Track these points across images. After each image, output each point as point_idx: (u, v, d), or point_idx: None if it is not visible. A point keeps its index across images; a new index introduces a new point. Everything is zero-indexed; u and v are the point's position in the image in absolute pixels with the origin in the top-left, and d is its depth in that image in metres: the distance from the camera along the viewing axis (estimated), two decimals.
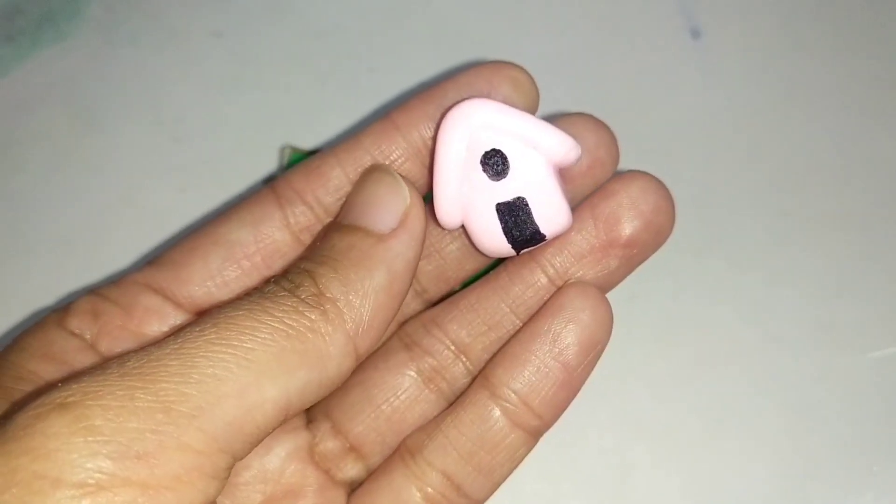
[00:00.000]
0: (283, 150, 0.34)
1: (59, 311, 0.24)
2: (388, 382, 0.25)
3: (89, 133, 0.35)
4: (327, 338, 0.20)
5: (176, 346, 0.19)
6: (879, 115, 0.35)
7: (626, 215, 0.24)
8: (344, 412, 0.25)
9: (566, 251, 0.24)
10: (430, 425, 0.25)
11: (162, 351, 0.18)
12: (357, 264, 0.21)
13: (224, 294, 0.24)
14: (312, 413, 0.26)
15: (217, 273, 0.24)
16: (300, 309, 0.20)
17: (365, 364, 0.26)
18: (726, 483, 0.30)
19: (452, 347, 0.25)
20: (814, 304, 0.33)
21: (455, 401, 0.25)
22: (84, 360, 0.23)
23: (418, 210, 0.22)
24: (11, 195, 0.34)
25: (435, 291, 0.26)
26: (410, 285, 0.22)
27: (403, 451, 0.25)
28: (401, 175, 0.23)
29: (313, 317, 0.20)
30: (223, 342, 0.19)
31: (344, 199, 0.24)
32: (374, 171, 0.23)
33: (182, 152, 0.35)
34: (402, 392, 0.25)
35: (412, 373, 0.25)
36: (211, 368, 0.18)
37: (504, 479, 0.25)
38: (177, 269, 0.24)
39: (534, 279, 0.25)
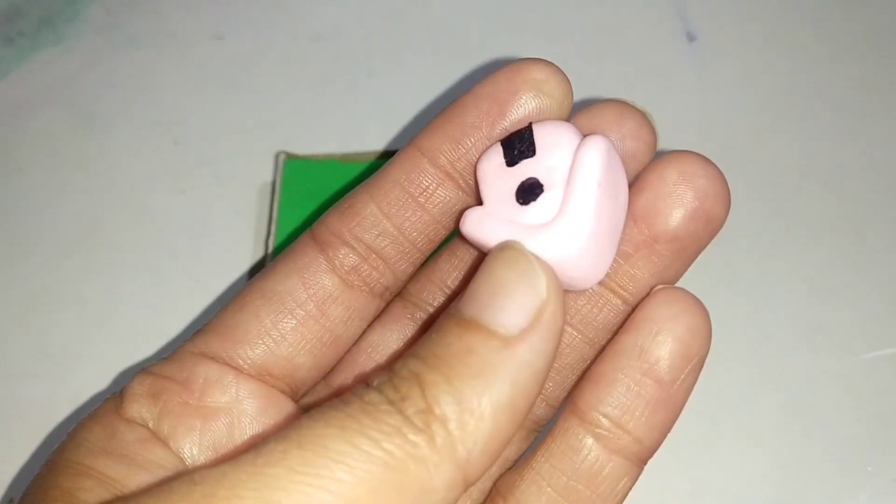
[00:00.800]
0: (277, 156, 0.34)
1: (115, 398, 0.22)
2: None
3: (88, 135, 0.35)
4: (433, 468, 0.17)
5: (254, 470, 0.16)
6: (874, 117, 0.35)
7: (667, 206, 0.21)
8: None
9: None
10: (521, 463, 0.23)
11: (237, 474, 0.16)
12: (475, 375, 0.17)
13: (284, 350, 0.22)
14: None
15: (272, 328, 0.22)
16: (404, 431, 0.17)
17: None
18: (721, 483, 0.30)
19: None
20: (808, 306, 0.33)
21: (547, 434, 0.22)
22: (147, 450, 0.21)
23: (556, 305, 0.19)
24: (10, 197, 0.34)
25: None
26: (536, 399, 0.19)
27: (495, 495, 0.23)
28: (536, 259, 0.19)
29: (419, 441, 0.17)
30: (309, 471, 0.16)
31: (382, 235, 0.22)
32: (504, 251, 0.19)
33: (181, 155, 0.35)
34: None
35: None
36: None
37: None
38: (229, 332, 0.22)
39: (603, 298, 0.22)
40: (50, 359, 0.32)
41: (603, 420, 0.21)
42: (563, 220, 0.19)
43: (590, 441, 0.21)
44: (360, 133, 0.35)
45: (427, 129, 0.23)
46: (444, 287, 0.24)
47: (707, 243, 0.22)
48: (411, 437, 0.17)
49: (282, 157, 0.33)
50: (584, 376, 0.22)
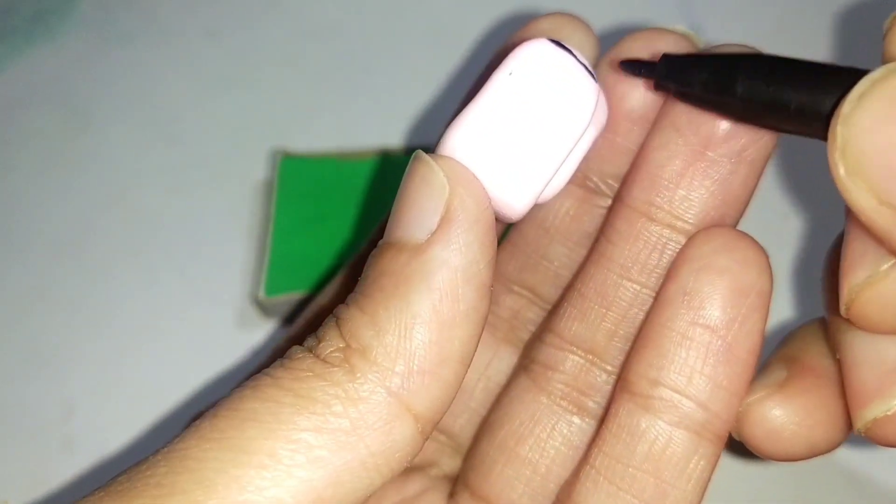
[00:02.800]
0: (274, 154, 0.33)
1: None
2: (516, 421, 0.21)
3: (81, 132, 0.35)
4: (362, 404, 0.15)
5: (168, 449, 0.15)
6: None
7: None
8: (478, 473, 0.21)
9: (657, 179, 0.19)
10: (579, 462, 0.20)
11: (154, 457, 0.15)
12: (389, 295, 0.16)
13: None
14: (453, 488, 0.22)
15: None
16: (317, 371, 0.15)
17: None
18: (715, 483, 0.30)
19: (575, 350, 0.20)
20: (803, 306, 0.32)
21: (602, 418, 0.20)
22: None
23: (465, 195, 0.16)
24: (2, 194, 0.34)
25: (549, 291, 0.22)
26: (484, 297, 0.16)
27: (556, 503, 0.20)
28: (437, 157, 0.17)
29: (338, 378, 0.15)
30: (218, 437, 0.15)
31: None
32: (409, 164, 0.17)
33: (176, 153, 0.35)
34: (537, 427, 0.20)
35: (543, 399, 0.21)
36: (199, 473, 0.14)
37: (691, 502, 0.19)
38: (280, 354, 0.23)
39: (634, 228, 0.19)
40: (42, 359, 0.31)
41: (656, 389, 0.18)
42: (459, 116, 0.18)
43: (645, 416, 0.18)
44: (358, 131, 0.35)
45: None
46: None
47: (769, 152, 0.19)
48: (327, 376, 0.15)
49: (278, 156, 0.33)
50: (633, 343, 0.19)
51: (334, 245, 0.31)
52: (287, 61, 0.36)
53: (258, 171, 0.34)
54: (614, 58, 0.20)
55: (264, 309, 0.31)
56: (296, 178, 0.32)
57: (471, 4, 0.37)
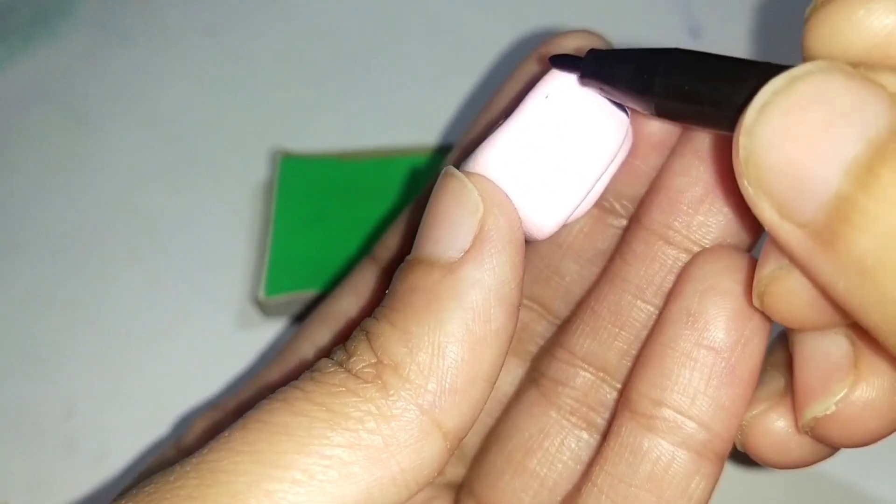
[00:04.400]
0: (274, 154, 0.33)
1: (175, 442, 0.22)
2: (525, 434, 0.21)
3: (81, 133, 0.35)
4: (393, 420, 0.15)
5: (198, 460, 0.15)
6: None
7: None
8: (485, 483, 0.21)
9: (676, 203, 0.19)
10: (581, 478, 0.20)
11: (183, 468, 0.15)
12: (421, 312, 0.16)
13: None
14: (457, 496, 0.22)
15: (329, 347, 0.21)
16: (350, 387, 0.15)
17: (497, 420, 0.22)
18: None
19: (585, 367, 0.20)
20: None
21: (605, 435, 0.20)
22: None
23: (497, 214, 0.16)
24: (2, 194, 0.34)
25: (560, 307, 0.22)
26: (512, 317, 0.16)
27: None
28: (470, 175, 0.17)
29: (370, 394, 0.15)
30: (249, 450, 0.15)
31: None
32: (439, 180, 0.17)
33: (175, 152, 0.35)
34: (546, 440, 0.20)
35: (553, 413, 0.21)
36: (231, 486, 0.14)
37: None
38: (291, 354, 0.22)
39: (651, 250, 0.19)
40: (43, 359, 0.31)
41: (659, 409, 0.18)
42: (492, 135, 0.18)
43: (648, 436, 0.18)
44: (358, 130, 0.35)
45: (473, 126, 0.22)
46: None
47: None
48: (360, 392, 0.15)
49: (278, 156, 0.33)
50: (636, 359, 0.20)
51: (334, 245, 0.31)
52: (287, 61, 0.36)
53: (258, 171, 0.34)
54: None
55: (264, 309, 0.31)
56: (296, 178, 0.32)
57: (469, 5, 0.37)
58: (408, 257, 0.17)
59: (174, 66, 0.36)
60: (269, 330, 0.31)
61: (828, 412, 0.17)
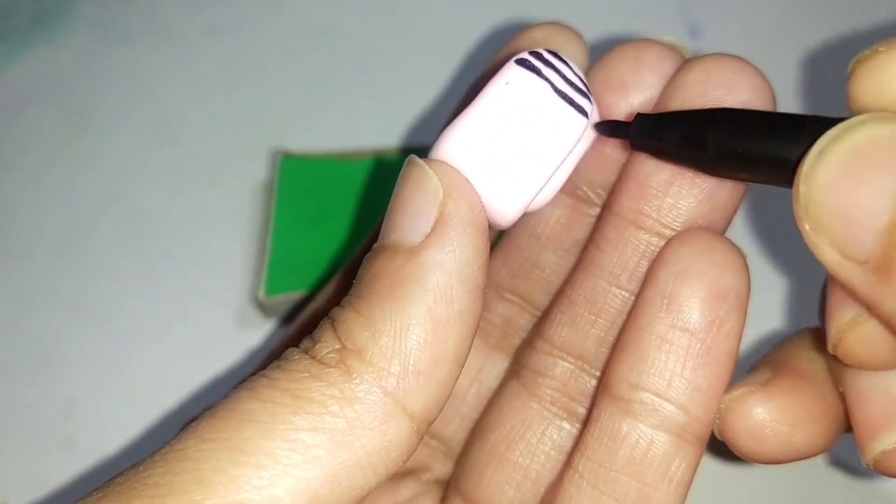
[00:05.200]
0: (274, 154, 0.33)
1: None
2: (507, 426, 0.21)
3: (81, 133, 0.35)
4: (358, 404, 0.15)
5: (166, 450, 0.15)
6: None
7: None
8: (470, 477, 0.21)
9: (645, 188, 0.19)
10: (563, 466, 0.20)
11: (152, 458, 0.15)
12: (384, 297, 0.16)
13: None
14: (445, 492, 0.22)
15: None
16: (314, 372, 0.15)
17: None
18: (712, 484, 0.30)
19: (564, 356, 0.21)
20: (795, 316, 0.32)
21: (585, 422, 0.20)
22: None
23: (457, 198, 0.17)
24: (2, 194, 0.34)
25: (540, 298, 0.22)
26: (477, 299, 0.16)
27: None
28: (430, 161, 0.17)
29: (334, 378, 0.15)
30: (216, 437, 0.15)
31: None
32: (403, 168, 0.18)
33: (176, 153, 0.35)
34: (528, 432, 0.21)
35: (534, 405, 0.21)
36: (197, 473, 0.15)
37: None
38: (271, 356, 0.22)
39: (623, 236, 0.20)
40: (42, 359, 0.31)
41: (636, 392, 0.18)
42: (453, 122, 0.18)
43: (626, 420, 0.18)
44: (358, 131, 0.35)
45: None
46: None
47: None
48: (323, 377, 0.15)
49: (278, 156, 0.33)
50: (613, 347, 0.20)
51: (334, 245, 0.31)
52: (287, 61, 0.36)
53: (258, 171, 0.34)
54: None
55: (264, 309, 0.31)
56: (296, 178, 0.32)
57: (470, 6, 0.37)
58: (374, 246, 0.17)
59: (174, 66, 0.36)
60: (269, 330, 0.31)
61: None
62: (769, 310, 0.31)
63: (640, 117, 0.19)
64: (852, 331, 0.17)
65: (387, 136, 0.34)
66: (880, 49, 0.16)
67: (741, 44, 0.36)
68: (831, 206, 0.15)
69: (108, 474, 0.28)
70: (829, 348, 0.18)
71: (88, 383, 0.31)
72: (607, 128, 0.19)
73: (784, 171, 0.17)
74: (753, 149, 0.17)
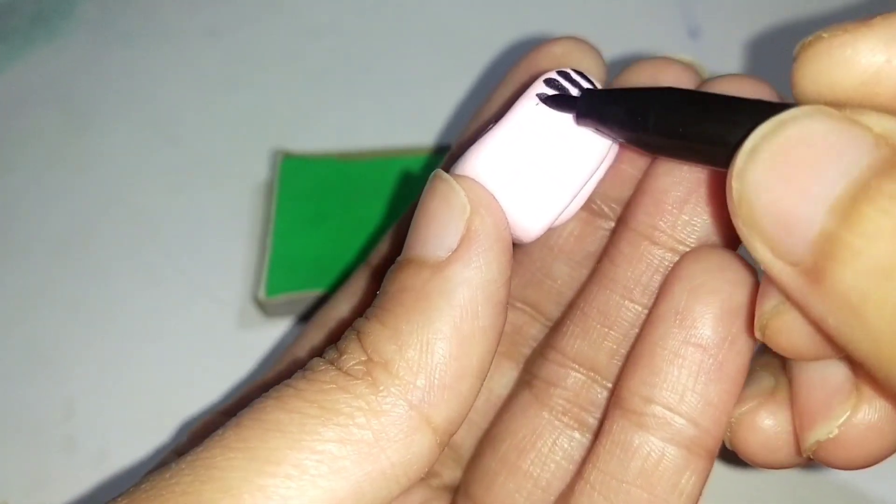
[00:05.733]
0: (274, 154, 0.33)
1: (176, 446, 0.22)
2: (518, 435, 0.21)
3: (82, 133, 0.35)
4: (383, 416, 0.16)
5: (193, 458, 0.15)
6: None
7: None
8: (480, 485, 0.21)
9: (661, 204, 0.20)
10: (574, 477, 0.20)
11: (178, 465, 0.15)
12: (410, 310, 0.16)
13: None
14: (454, 498, 0.22)
15: None
16: (341, 384, 0.16)
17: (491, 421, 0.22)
18: (712, 484, 0.30)
19: (576, 367, 0.21)
20: None
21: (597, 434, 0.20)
22: None
23: (485, 216, 0.17)
24: (2, 196, 0.34)
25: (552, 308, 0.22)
26: (500, 314, 0.17)
27: None
28: (458, 177, 0.17)
29: (360, 391, 0.16)
30: (243, 446, 0.15)
31: None
32: (428, 182, 0.18)
33: (176, 153, 0.35)
34: (539, 441, 0.21)
35: (545, 414, 0.21)
36: (224, 482, 0.15)
37: None
38: (289, 358, 0.23)
39: (638, 250, 0.20)
40: (42, 359, 0.31)
41: (649, 406, 0.18)
42: (482, 138, 0.18)
43: (638, 433, 0.19)
44: (358, 131, 0.35)
45: (465, 130, 0.22)
46: None
47: None
48: (350, 389, 0.16)
49: (279, 156, 0.33)
50: (625, 361, 0.20)
51: (334, 245, 0.31)
52: (287, 61, 0.36)
53: (258, 171, 0.34)
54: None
55: (265, 309, 0.31)
56: (296, 178, 0.32)
57: (470, 7, 0.37)
58: (398, 258, 0.17)
59: (174, 66, 0.36)
60: (271, 330, 0.31)
61: (830, 435, 0.18)
62: None
63: (587, 92, 0.19)
64: (774, 319, 0.17)
65: (387, 136, 0.34)
66: (823, 35, 0.16)
67: (740, 45, 0.37)
68: (763, 206, 0.15)
69: (107, 475, 0.28)
70: (757, 335, 0.17)
71: (88, 383, 0.31)
72: (554, 102, 0.19)
73: (721, 155, 0.16)
74: (692, 129, 0.17)
